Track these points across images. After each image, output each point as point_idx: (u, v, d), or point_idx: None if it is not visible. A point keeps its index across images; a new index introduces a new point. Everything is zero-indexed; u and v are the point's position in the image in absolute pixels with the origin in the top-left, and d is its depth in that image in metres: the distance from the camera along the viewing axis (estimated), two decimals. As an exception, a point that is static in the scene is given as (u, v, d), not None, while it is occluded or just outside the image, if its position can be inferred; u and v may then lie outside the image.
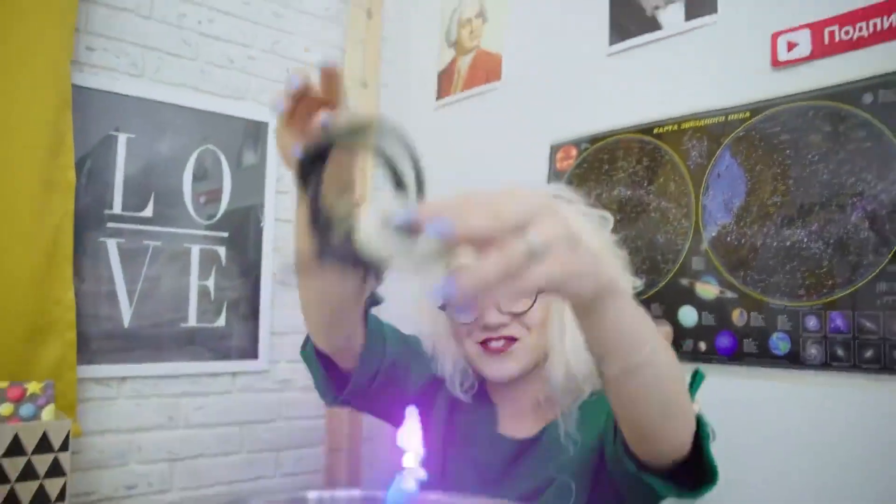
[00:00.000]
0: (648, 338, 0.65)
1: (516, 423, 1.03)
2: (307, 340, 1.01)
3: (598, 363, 0.69)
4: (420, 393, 1.08)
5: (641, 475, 0.74)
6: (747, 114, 1.18)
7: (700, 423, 0.73)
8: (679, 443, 0.71)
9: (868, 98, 1.03)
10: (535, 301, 0.94)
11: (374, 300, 1.04)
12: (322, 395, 1.03)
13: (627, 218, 1.33)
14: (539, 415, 1.00)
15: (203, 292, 1.69)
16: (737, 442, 1.14)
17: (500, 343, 0.94)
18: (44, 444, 1.16)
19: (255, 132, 1.80)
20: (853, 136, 1.04)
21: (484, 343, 0.95)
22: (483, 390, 1.09)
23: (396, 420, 1.11)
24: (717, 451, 1.14)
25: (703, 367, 1.17)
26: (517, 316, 0.94)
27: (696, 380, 0.82)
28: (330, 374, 1.01)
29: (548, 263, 0.45)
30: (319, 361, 0.99)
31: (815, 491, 1.05)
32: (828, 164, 1.06)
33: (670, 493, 0.74)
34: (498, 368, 0.96)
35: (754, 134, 1.16)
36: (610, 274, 0.58)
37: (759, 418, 1.12)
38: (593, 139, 1.43)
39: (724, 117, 1.21)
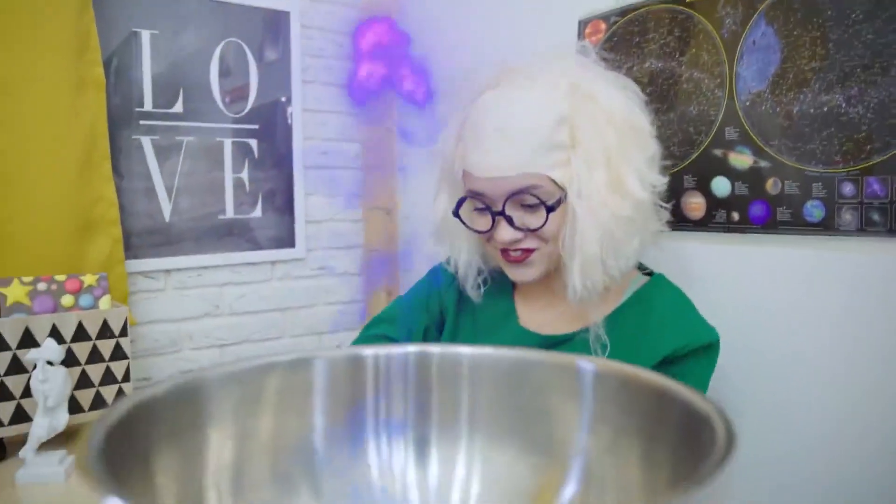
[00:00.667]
0: None
1: (541, 318, 1.05)
2: None
3: None
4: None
5: None
6: (786, -25, 1.13)
7: None
8: None
9: (917, -51, 0.98)
10: (546, 219, 0.92)
11: None
12: None
13: (659, 90, 1.31)
14: (567, 315, 1.01)
15: (238, 184, 1.72)
16: (769, 311, 1.17)
17: (518, 254, 0.96)
18: (105, 331, 1.23)
19: (275, 23, 1.77)
20: (899, -9, 1.00)
21: (503, 252, 0.97)
22: (499, 287, 1.11)
23: None
24: (752, 319, 1.17)
25: (737, 237, 1.19)
26: (532, 231, 0.93)
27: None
28: None
29: None
30: None
31: (849, 360, 1.08)
32: (872, 22, 1.03)
33: None
34: (519, 274, 0.99)
35: (793, -4, 1.12)
36: None
37: (793, 287, 1.14)
38: (623, 12, 1.39)
39: (761, -20, 1.17)
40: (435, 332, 1.14)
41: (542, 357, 0.56)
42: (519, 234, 0.93)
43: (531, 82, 0.92)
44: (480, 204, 0.95)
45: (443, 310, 1.14)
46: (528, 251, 0.96)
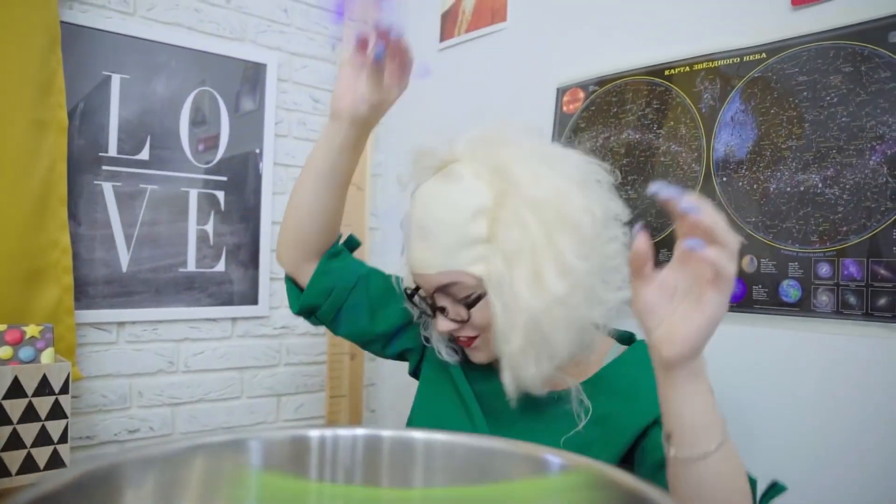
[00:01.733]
0: (718, 434, 0.66)
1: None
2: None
3: (665, 439, 0.69)
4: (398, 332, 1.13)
5: None
6: (763, 55, 1.14)
7: None
8: None
9: (894, 37, 0.98)
10: (469, 314, 0.91)
11: (352, 243, 1.15)
12: (290, 303, 1.14)
13: (636, 162, 1.30)
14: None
15: (202, 237, 1.67)
16: (745, 390, 1.13)
17: (464, 339, 0.96)
18: (44, 387, 1.15)
19: (253, 75, 1.75)
20: (876, 76, 1.00)
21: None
22: None
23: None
24: (725, 400, 1.13)
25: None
26: (461, 322, 0.93)
27: (772, 491, 0.79)
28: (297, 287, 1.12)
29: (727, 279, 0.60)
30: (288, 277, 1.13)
31: (824, 440, 1.04)
32: (847, 106, 1.03)
33: None
34: (472, 356, 0.99)
35: (770, 75, 1.12)
36: (702, 358, 0.66)
37: (768, 366, 1.11)
38: (601, 81, 1.39)
39: (738, 58, 1.17)
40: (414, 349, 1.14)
41: (504, 446, 0.51)
42: (453, 325, 0.93)
43: (459, 172, 0.91)
44: (424, 293, 0.98)
45: (424, 356, 1.14)
46: (471, 339, 0.96)
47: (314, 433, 0.51)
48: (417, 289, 0.98)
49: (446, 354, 1.05)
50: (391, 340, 1.12)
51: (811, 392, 1.06)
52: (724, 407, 1.14)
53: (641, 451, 0.87)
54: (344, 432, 0.52)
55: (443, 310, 0.93)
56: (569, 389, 0.92)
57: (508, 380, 0.88)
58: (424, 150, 0.97)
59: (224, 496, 0.48)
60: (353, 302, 1.08)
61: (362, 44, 0.92)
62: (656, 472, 0.80)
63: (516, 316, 0.85)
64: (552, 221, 0.85)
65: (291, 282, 1.13)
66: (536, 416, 0.95)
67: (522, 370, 0.87)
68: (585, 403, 0.91)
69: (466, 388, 1.02)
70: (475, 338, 0.95)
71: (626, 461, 0.89)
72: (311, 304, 1.09)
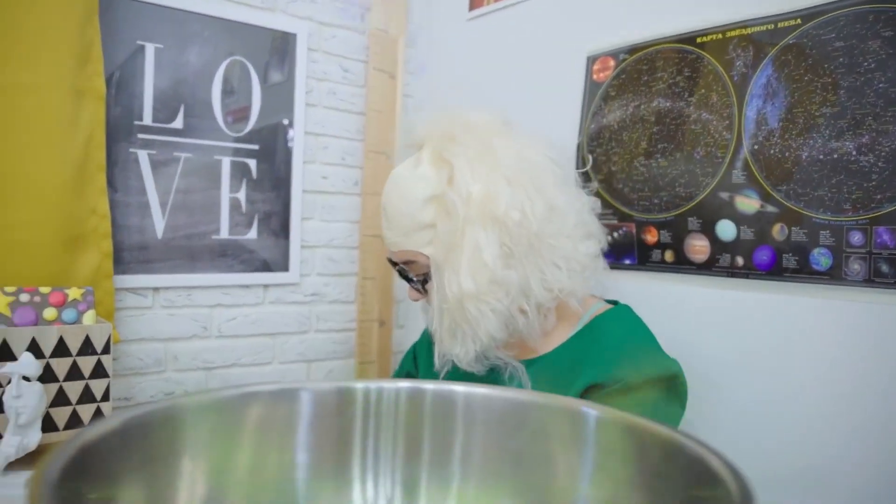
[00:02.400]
0: None
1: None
2: None
3: None
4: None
5: None
6: (798, 20, 1.13)
7: None
8: None
9: (934, 0, 0.97)
10: (424, 289, 1.02)
11: None
12: None
13: (667, 130, 1.30)
14: (517, 348, 1.03)
15: (234, 205, 1.70)
16: (775, 359, 1.14)
17: None
18: (87, 347, 1.19)
19: (282, 45, 1.76)
20: (914, 41, 0.99)
21: None
22: None
23: None
24: (755, 367, 1.14)
25: (740, 282, 1.17)
26: (422, 296, 1.04)
27: None
28: None
29: None
30: None
31: (855, 407, 1.05)
32: (885, 72, 1.01)
33: None
34: None
35: (805, 41, 1.11)
36: None
37: (799, 334, 1.11)
38: (632, 49, 1.38)
39: (772, 25, 1.16)
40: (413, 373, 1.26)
41: (542, 400, 0.53)
42: (418, 296, 1.05)
43: (420, 158, 1.01)
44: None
45: (416, 353, 1.24)
46: None
47: (359, 385, 0.53)
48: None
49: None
50: None
51: (842, 360, 1.06)
52: (755, 376, 1.15)
53: None
54: (388, 385, 0.54)
55: (411, 281, 1.03)
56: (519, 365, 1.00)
57: (437, 355, 0.98)
58: (408, 127, 1.06)
59: (276, 444, 0.50)
60: None
61: None
62: None
63: (442, 301, 0.95)
64: (475, 218, 0.92)
65: None
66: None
67: (447, 348, 0.96)
68: (525, 386, 0.96)
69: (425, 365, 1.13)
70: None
71: None
72: None
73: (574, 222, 0.98)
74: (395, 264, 1.05)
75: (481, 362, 0.97)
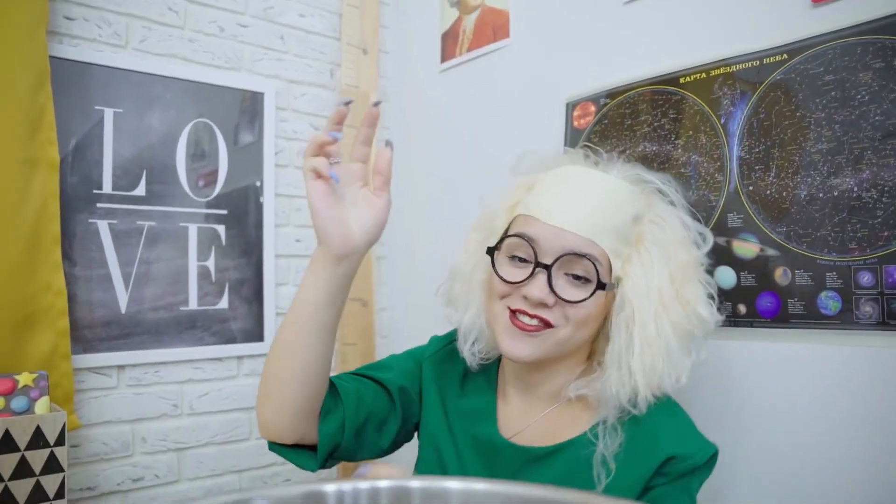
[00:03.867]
0: None
1: (520, 422, 0.93)
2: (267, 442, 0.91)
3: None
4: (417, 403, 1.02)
5: None
6: (784, 55, 1.08)
7: None
8: None
9: (927, 26, 0.93)
10: (591, 295, 0.83)
11: None
12: (302, 466, 0.91)
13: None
14: (549, 423, 0.91)
15: (203, 273, 1.61)
16: (783, 410, 1.06)
17: (533, 322, 0.84)
18: (38, 439, 1.08)
19: (251, 105, 1.70)
20: (910, 69, 0.94)
21: (514, 314, 0.85)
22: (487, 373, 1.00)
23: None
24: (763, 421, 1.06)
25: (744, 331, 1.09)
26: (564, 301, 0.83)
27: None
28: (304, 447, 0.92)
29: None
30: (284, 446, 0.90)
31: (868, 461, 0.97)
32: (881, 103, 0.97)
33: None
34: (516, 346, 0.85)
35: (794, 77, 1.07)
36: None
37: (809, 384, 1.03)
38: (612, 93, 1.33)
39: (757, 61, 1.12)
40: (416, 405, 1.01)
41: (551, 494, 0.44)
42: (551, 298, 0.83)
43: (612, 175, 0.91)
44: (523, 253, 0.86)
45: (420, 382, 1.02)
46: (544, 325, 0.84)
47: (330, 487, 0.44)
48: (508, 236, 0.88)
49: (469, 352, 0.95)
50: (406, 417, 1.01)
51: (856, 409, 0.99)
52: (762, 430, 1.07)
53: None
54: (364, 486, 0.45)
55: (550, 275, 0.83)
56: (572, 439, 0.87)
57: (617, 396, 0.83)
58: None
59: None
60: (377, 414, 0.96)
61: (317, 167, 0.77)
62: None
63: (658, 322, 0.83)
64: (691, 259, 0.89)
65: (288, 448, 0.91)
66: (536, 470, 0.88)
67: (642, 388, 0.83)
68: (607, 460, 0.83)
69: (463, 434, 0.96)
70: (548, 327, 0.84)
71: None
72: (329, 445, 0.90)
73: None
74: (524, 243, 0.85)
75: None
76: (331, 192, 0.77)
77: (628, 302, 0.84)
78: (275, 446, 0.90)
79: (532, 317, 0.84)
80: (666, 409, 0.88)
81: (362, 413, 0.92)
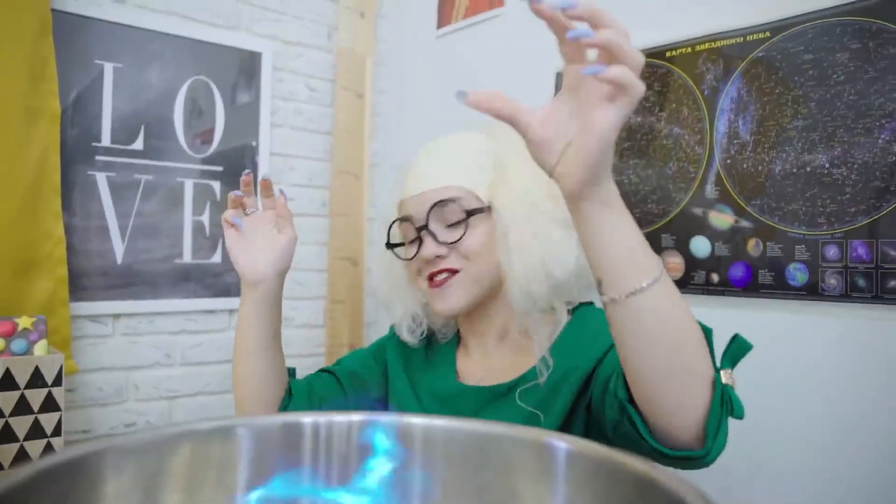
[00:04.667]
0: (650, 269, 0.61)
1: (480, 371, 0.98)
2: None
3: (597, 288, 0.65)
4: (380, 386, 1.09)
5: (627, 409, 0.68)
6: (767, 33, 1.11)
7: (724, 395, 0.66)
8: (683, 409, 0.64)
9: (902, 10, 0.96)
10: (466, 228, 0.91)
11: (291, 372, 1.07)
12: None
13: (638, 145, 1.27)
14: (506, 363, 0.96)
15: (198, 228, 1.65)
16: (751, 378, 1.11)
17: (443, 276, 0.92)
18: (37, 379, 1.13)
19: (249, 65, 1.72)
20: (885, 52, 0.97)
21: (430, 279, 0.93)
22: (441, 351, 1.06)
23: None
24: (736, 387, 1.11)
25: (716, 299, 1.14)
26: (451, 245, 0.91)
27: (732, 346, 0.73)
28: None
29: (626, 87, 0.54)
30: None
31: (833, 426, 1.02)
32: (855, 84, 1.00)
33: (654, 451, 0.67)
34: (441, 302, 0.93)
35: (774, 55, 1.10)
36: (612, 185, 0.60)
37: (776, 352, 1.08)
38: (602, 65, 1.36)
39: (741, 38, 1.15)
40: (378, 385, 1.09)
41: (507, 431, 0.49)
42: (442, 249, 0.92)
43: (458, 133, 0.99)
44: (410, 232, 0.96)
45: (385, 362, 1.10)
46: (452, 272, 0.92)
47: (307, 419, 0.49)
48: (400, 221, 0.98)
49: (408, 333, 1.03)
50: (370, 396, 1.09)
51: (820, 376, 1.04)
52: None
53: (595, 378, 0.84)
54: (339, 418, 0.49)
55: (431, 233, 0.93)
56: (532, 369, 0.91)
57: (518, 297, 0.90)
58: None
59: (211, 484, 0.45)
60: (328, 399, 1.05)
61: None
62: (607, 383, 0.77)
63: (533, 223, 0.89)
64: (535, 189, 0.91)
65: None
66: (497, 408, 0.92)
67: (533, 284, 0.89)
68: (549, 362, 0.89)
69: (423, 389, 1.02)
70: (455, 273, 0.92)
71: (580, 402, 0.86)
72: None
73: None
74: (404, 223, 0.96)
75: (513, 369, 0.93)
76: (240, 236, 0.93)
77: (501, 218, 0.91)
78: None
79: (439, 272, 0.92)
80: (594, 311, 0.95)
81: (315, 400, 1.02)
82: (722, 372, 0.69)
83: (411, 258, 0.95)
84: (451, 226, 0.92)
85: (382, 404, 1.09)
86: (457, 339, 1.06)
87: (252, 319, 0.95)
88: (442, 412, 0.96)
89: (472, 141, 0.97)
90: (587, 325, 0.94)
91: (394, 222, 0.98)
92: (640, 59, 0.55)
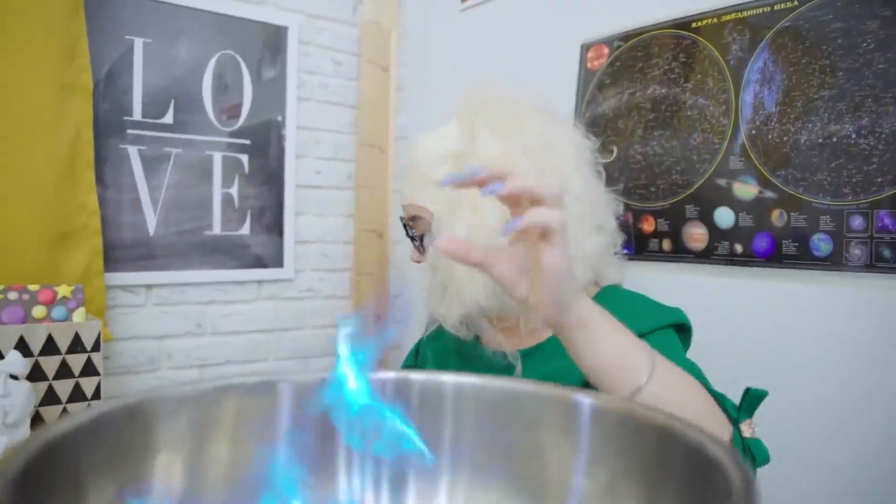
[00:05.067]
0: (642, 366, 0.64)
1: (504, 341, 0.99)
2: None
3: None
4: None
5: None
6: (794, 2, 1.10)
7: (745, 449, 0.68)
8: None
9: (933, -23, 0.95)
10: (422, 246, 0.98)
11: None
12: None
13: (662, 117, 1.28)
14: (528, 331, 0.97)
15: (227, 200, 1.68)
16: (776, 348, 1.12)
17: None
18: (76, 345, 1.17)
19: (275, 39, 1.74)
20: (914, 20, 0.96)
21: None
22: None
23: None
24: (755, 358, 1.12)
25: (740, 269, 1.15)
26: (422, 256, 0.99)
27: (746, 399, 0.75)
28: None
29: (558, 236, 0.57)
30: None
31: (855, 396, 1.03)
32: (884, 52, 0.99)
33: None
34: None
35: (802, 24, 1.09)
36: (583, 307, 0.63)
37: (800, 322, 1.09)
38: (626, 36, 1.36)
39: (768, 7, 1.14)
40: None
41: (534, 388, 0.51)
42: (417, 256, 0.99)
43: (450, 122, 0.99)
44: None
45: (418, 358, 1.14)
46: None
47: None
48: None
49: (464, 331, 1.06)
50: None
51: (843, 347, 1.05)
52: (753, 364, 1.13)
53: None
54: (374, 376, 0.52)
55: (413, 239, 1.00)
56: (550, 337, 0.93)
57: (427, 314, 0.98)
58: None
59: (256, 437, 0.48)
60: None
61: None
62: None
63: (434, 257, 0.94)
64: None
65: None
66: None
67: (433, 307, 0.94)
68: (516, 373, 0.91)
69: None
70: None
71: None
72: None
73: (586, 212, 0.92)
74: (405, 224, 1.03)
75: (467, 327, 0.93)
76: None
77: (433, 233, 0.96)
78: None
79: None
80: (622, 293, 0.96)
81: None
82: (742, 425, 0.72)
83: (415, 260, 1.02)
84: (419, 235, 0.98)
85: None
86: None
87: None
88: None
89: (437, 145, 0.96)
90: (617, 306, 0.92)
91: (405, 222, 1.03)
92: (555, 190, 0.57)
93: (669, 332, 0.90)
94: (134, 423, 0.42)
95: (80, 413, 0.39)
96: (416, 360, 1.17)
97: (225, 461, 0.45)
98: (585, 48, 1.45)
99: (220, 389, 0.45)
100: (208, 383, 0.45)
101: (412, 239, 1.00)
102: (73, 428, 0.38)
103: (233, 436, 0.46)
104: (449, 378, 0.53)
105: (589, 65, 1.43)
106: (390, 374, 0.52)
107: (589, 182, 0.94)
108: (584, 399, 0.48)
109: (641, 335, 0.86)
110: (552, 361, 0.93)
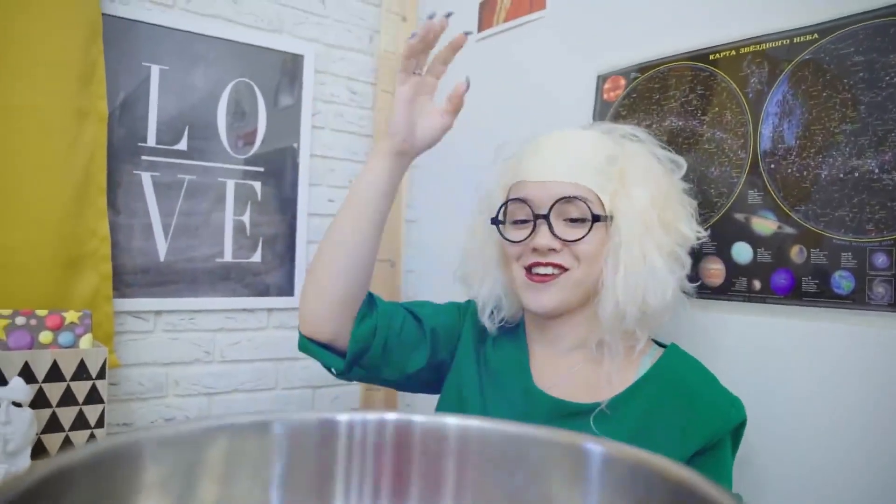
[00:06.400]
0: None
1: (554, 377, 0.97)
2: (301, 338, 1.00)
3: None
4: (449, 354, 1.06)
5: None
6: (815, 35, 1.09)
7: None
8: None
9: (958, 11, 0.93)
10: (589, 230, 0.90)
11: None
12: (329, 366, 1.01)
13: (679, 150, 1.25)
14: (584, 378, 0.95)
15: (239, 228, 1.67)
16: (794, 388, 1.08)
17: (548, 270, 0.91)
18: (81, 372, 1.16)
19: (291, 68, 1.74)
20: (938, 54, 0.94)
21: (530, 269, 0.92)
22: (516, 332, 1.05)
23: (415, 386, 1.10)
24: (773, 398, 1.09)
25: (758, 307, 1.12)
26: (570, 242, 0.90)
27: None
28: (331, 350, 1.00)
29: None
30: (317, 344, 0.98)
31: (879, 433, 0.99)
32: (907, 86, 0.97)
33: None
34: (538, 298, 0.93)
35: (823, 56, 1.07)
36: None
37: (819, 362, 1.06)
38: (643, 68, 1.35)
39: (788, 40, 1.12)
40: (447, 350, 1.06)
41: (542, 434, 0.48)
42: (556, 243, 0.91)
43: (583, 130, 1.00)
44: (522, 214, 0.94)
45: (460, 334, 1.08)
46: (561, 270, 0.92)
47: (343, 417, 0.49)
48: (515, 201, 0.96)
49: (489, 318, 1.02)
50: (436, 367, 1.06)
51: (866, 389, 1.01)
52: (773, 405, 1.09)
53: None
54: (373, 417, 0.50)
55: (549, 224, 0.91)
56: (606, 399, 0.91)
57: (608, 312, 0.91)
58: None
59: (247, 481, 0.46)
60: (406, 337, 1.02)
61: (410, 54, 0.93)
62: None
63: (642, 246, 0.90)
64: (672, 185, 0.98)
65: (321, 346, 0.99)
66: (572, 425, 0.91)
67: (626, 305, 0.90)
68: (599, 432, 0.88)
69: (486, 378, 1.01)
70: (561, 272, 0.92)
71: None
72: (359, 347, 0.97)
73: (681, 259, 0.97)
74: (520, 205, 0.94)
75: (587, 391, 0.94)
76: (412, 98, 0.91)
77: (617, 231, 0.92)
78: (307, 344, 0.99)
79: (546, 265, 0.92)
80: (689, 366, 0.96)
81: (395, 328, 1.00)
82: None
83: (519, 241, 0.93)
84: (571, 223, 0.92)
85: (441, 369, 1.07)
86: (524, 336, 1.04)
87: (385, 187, 0.92)
88: (510, 412, 0.95)
89: (600, 145, 0.96)
90: (685, 377, 0.94)
91: (508, 202, 0.96)
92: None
93: (726, 446, 0.90)
94: (120, 467, 0.40)
95: (62, 455, 0.37)
96: (461, 325, 1.09)
97: (214, 506, 0.43)
98: (602, 79, 1.43)
99: (209, 430, 0.43)
100: (196, 423, 0.43)
101: (547, 222, 0.91)
102: (56, 470, 0.36)
103: (223, 480, 0.44)
104: (453, 421, 0.50)
105: (605, 96, 1.42)
106: (391, 416, 0.50)
107: (693, 229, 1.00)
108: (595, 447, 0.45)
109: (700, 450, 0.86)
110: (630, 419, 0.91)
